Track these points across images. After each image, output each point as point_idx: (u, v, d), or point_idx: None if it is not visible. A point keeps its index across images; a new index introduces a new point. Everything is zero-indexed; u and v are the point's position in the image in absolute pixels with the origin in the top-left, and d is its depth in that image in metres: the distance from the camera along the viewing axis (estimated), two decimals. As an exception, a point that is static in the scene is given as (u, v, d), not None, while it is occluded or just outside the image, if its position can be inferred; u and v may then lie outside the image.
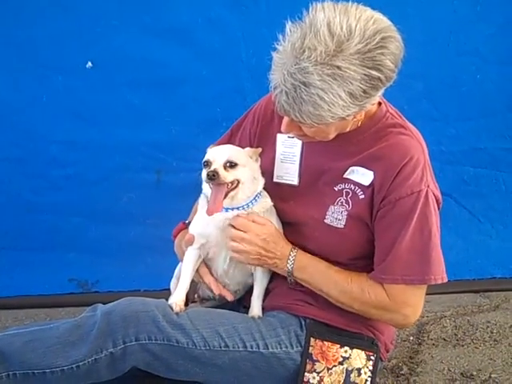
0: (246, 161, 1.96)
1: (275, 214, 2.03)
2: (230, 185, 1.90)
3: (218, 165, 1.89)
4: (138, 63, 3.00)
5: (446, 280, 1.86)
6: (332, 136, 1.81)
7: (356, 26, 1.58)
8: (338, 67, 1.57)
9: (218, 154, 1.93)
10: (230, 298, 2.05)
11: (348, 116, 1.69)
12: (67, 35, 2.94)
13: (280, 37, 1.66)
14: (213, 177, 1.85)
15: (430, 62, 3.06)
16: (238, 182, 1.92)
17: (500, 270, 3.32)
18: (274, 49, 1.67)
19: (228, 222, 1.95)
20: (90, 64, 2.98)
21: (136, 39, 2.98)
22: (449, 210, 3.19)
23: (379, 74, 1.61)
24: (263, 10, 3.00)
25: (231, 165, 1.91)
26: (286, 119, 1.79)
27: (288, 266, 1.93)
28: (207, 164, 1.92)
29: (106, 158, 3.11)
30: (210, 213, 1.89)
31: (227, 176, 1.89)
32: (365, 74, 1.59)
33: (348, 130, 1.85)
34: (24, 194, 3.11)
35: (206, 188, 1.98)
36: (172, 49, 3.01)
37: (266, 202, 2.01)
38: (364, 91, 1.62)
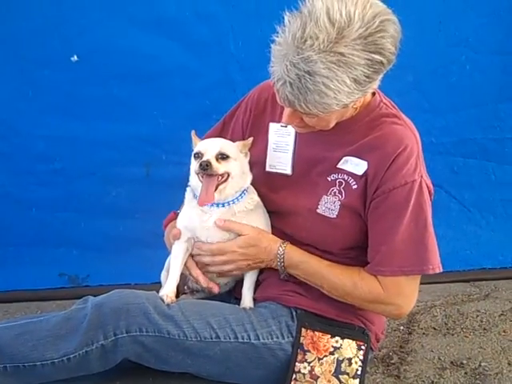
0: (237, 154, 1.98)
1: (262, 208, 2.06)
2: (220, 177, 1.92)
3: (210, 156, 1.91)
4: (125, 56, 2.98)
5: (441, 270, 1.89)
6: (332, 124, 1.83)
7: (355, 11, 1.60)
8: (342, 54, 1.59)
9: (209, 146, 1.95)
10: (216, 290, 2.07)
11: (351, 102, 1.71)
12: (52, 28, 2.91)
13: (278, 28, 1.67)
14: (206, 167, 1.87)
15: (419, 53, 3.05)
16: (228, 176, 1.94)
17: (490, 261, 3.34)
18: (272, 41, 1.68)
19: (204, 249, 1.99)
20: (75, 57, 2.95)
21: (123, 31, 2.96)
22: (439, 201, 3.11)
23: (381, 58, 1.63)
24: (252, 2, 2.99)
25: (223, 157, 1.93)
26: (286, 111, 1.80)
27: (279, 264, 1.97)
28: (198, 155, 1.93)
29: (93, 152, 3.09)
30: (201, 203, 1.91)
31: (219, 167, 1.91)
32: (368, 59, 1.62)
33: (345, 118, 1.87)
34: (11, 189, 3.10)
35: (194, 181, 2.00)
36: (160, 41, 2.99)
37: (253, 198, 2.03)
38: (367, 76, 1.64)
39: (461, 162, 3.31)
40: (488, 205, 3.38)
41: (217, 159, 1.92)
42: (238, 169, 1.98)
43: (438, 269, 1.88)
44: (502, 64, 3.25)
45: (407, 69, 3.08)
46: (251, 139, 2.04)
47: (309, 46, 1.60)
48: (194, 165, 1.95)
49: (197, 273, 2.06)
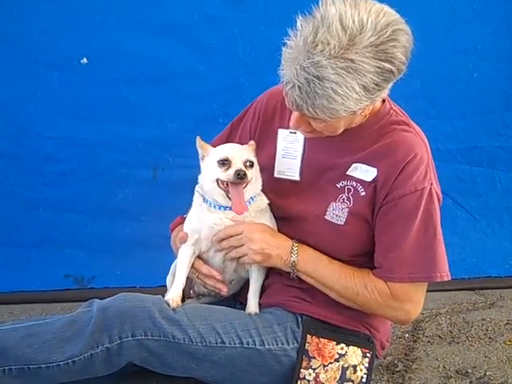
0: (255, 160, 1.98)
1: (269, 212, 2.04)
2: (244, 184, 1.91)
3: (240, 164, 1.90)
4: (134, 59, 2.98)
5: (449, 278, 1.87)
6: (340, 131, 1.82)
7: (368, 19, 1.59)
8: (352, 60, 1.58)
9: (236, 153, 1.93)
10: (225, 290, 2.04)
11: (359, 109, 1.70)
12: (62, 31, 2.91)
13: (290, 32, 1.66)
14: (243, 176, 1.86)
15: (427, 60, 2.99)
16: (248, 181, 1.93)
17: (495, 269, 3.30)
18: (283, 44, 1.67)
19: (218, 236, 1.95)
20: (85, 60, 2.96)
21: (132, 35, 2.96)
22: (445, 208, 3.10)
23: (391, 67, 1.62)
24: (260, 7, 2.98)
25: (250, 164, 1.93)
26: (295, 114, 1.79)
27: (292, 257, 1.93)
28: (225, 163, 1.90)
29: (101, 154, 3.08)
30: (240, 212, 1.89)
31: (249, 175, 1.90)
32: (378, 67, 1.61)
33: (354, 125, 1.86)
34: (19, 190, 3.08)
35: (209, 186, 1.96)
36: (168, 45, 2.98)
37: (263, 200, 2.02)
38: (376, 84, 1.63)
39: (467, 169, 3.28)
40: (494, 213, 3.34)
41: (245, 166, 1.91)
42: (256, 174, 1.99)
43: (447, 277, 1.86)
44: (510, 72, 3.23)
45: (415, 75, 2.98)
46: (252, 142, 2.04)
47: (319, 51, 1.59)
48: (218, 171, 1.91)
49: (208, 269, 2.03)
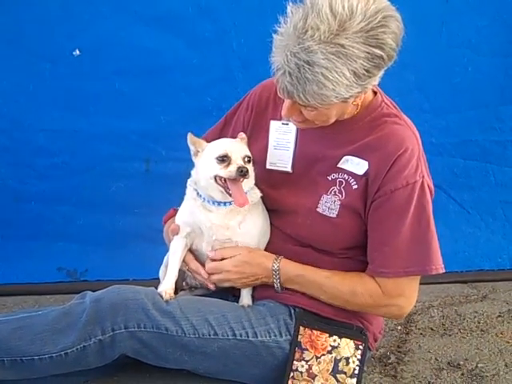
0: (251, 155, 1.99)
1: (262, 205, 2.06)
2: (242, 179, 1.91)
3: (241, 160, 1.90)
4: (128, 51, 2.97)
5: (443, 270, 1.88)
6: (332, 120, 1.82)
7: (357, 5, 1.60)
8: (342, 45, 1.59)
9: (235, 149, 1.93)
10: (211, 287, 2.06)
11: (351, 97, 1.71)
12: (55, 22, 2.90)
13: (281, 19, 1.67)
14: (246, 173, 1.87)
15: (421, 53, 3.05)
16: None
17: (488, 263, 3.34)
18: (275, 31, 1.68)
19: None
20: (77, 52, 2.94)
21: (125, 27, 2.95)
22: (438, 202, 3.11)
23: (382, 53, 1.63)
24: (255, -1, 2.99)
25: (248, 159, 1.94)
26: (286, 103, 1.80)
27: (275, 280, 1.97)
28: (224, 159, 1.89)
29: (94, 146, 3.07)
30: (242, 205, 1.89)
31: (250, 171, 1.92)
32: (368, 53, 1.62)
33: (346, 116, 1.87)
34: (11, 183, 3.08)
35: (205, 181, 1.95)
36: (162, 37, 2.98)
37: (256, 194, 2.03)
38: (367, 70, 1.64)
39: (461, 163, 3.30)
40: (487, 206, 3.37)
41: (244, 162, 1.91)
42: (252, 168, 1.99)
43: (441, 269, 1.88)
44: (504, 66, 3.25)
45: (409, 69, 3.08)
46: (244, 135, 2.04)
47: (309, 37, 1.60)
48: (217, 168, 1.90)
49: (196, 265, 2.05)
